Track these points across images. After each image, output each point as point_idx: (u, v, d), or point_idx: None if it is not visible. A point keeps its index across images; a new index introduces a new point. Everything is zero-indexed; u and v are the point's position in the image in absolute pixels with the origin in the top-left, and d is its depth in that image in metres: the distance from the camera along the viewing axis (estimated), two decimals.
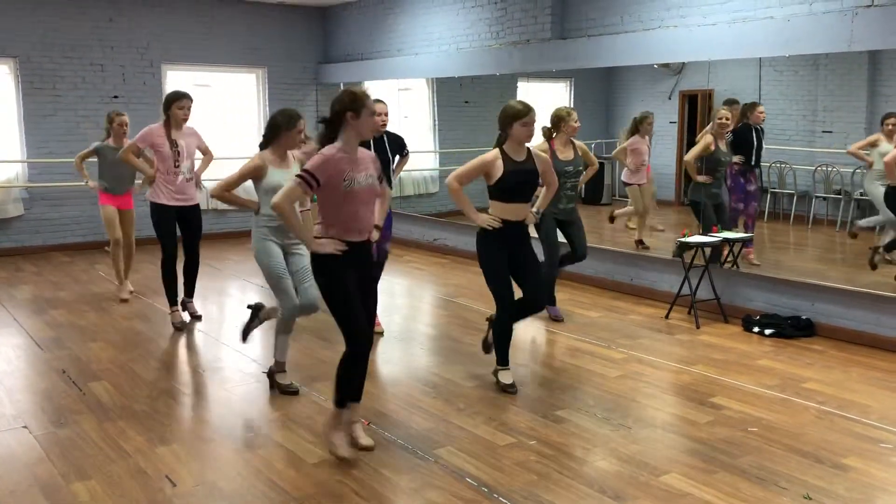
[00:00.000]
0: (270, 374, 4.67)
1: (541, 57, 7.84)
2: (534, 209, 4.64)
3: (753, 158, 7.31)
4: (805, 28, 5.61)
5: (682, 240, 6.11)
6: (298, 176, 3.53)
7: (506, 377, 4.61)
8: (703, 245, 6.06)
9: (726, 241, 6.34)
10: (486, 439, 3.92)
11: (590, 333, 5.78)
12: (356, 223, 3.63)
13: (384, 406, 4.38)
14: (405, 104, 11.92)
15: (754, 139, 7.32)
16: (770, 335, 5.69)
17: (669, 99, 12.72)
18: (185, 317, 6.12)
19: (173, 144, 5.80)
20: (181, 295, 6.16)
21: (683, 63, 11.87)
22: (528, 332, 6.02)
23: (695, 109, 12.37)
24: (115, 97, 9.45)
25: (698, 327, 5.93)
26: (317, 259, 3.61)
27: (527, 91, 12.89)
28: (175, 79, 10.02)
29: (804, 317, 5.78)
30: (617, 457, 3.73)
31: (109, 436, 3.95)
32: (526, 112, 4.35)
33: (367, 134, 3.70)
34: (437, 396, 4.56)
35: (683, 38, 6.49)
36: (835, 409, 4.34)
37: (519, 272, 4.50)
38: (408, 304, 6.99)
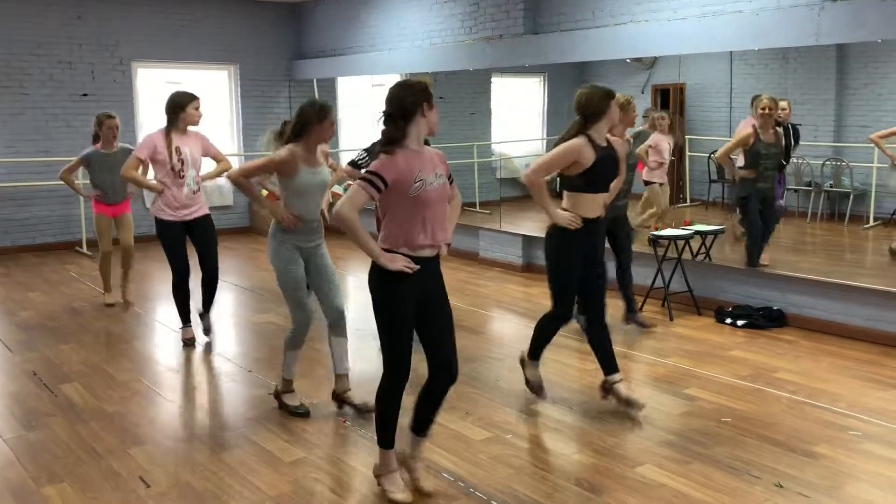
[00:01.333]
0: (277, 395, 4.29)
1: (513, 52, 7.85)
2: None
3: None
4: (774, 22, 5.67)
5: (656, 233, 6.17)
6: (363, 179, 3.02)
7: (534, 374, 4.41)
8: (675, 238, 6.11)
9: (698, 233, 6.39)
10: (463, 434, 3.93)
11: (566, 327, 5.80)
12: (427, 234, 3.11)
13: (361, 400, 4.36)
14: (379, 100, 11.89)
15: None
16: (742, 326, 5.76)
17: (642, 93, 12.79)
18: (197, 332, 5.58)
19: (176, 152, 5.16)
20: (194, 311, 5.62)
21: (655, 57, 11.97)
22: (503, 326, 6.04)
23: (667, 103, 12.48)
24: (85, 95, 9.32)
25: (672, 319, 5.98)
26: (377, 272, 3.11)
27: (501, 86, 12.92)
28: (145, 76, 9.91)
29: (776, 308, 5.85)
30: (593, 449, 3.75)
31: (81, 438, 3.91)
32: (614, 94, 4.05)
33: (434, 128, 3.23)
34: (413, 393, 4.54)
35: (654, 32, 6.53)
36: (805, 398, 4.40)
37: (591, 279, 4.20)
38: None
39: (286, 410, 4.20)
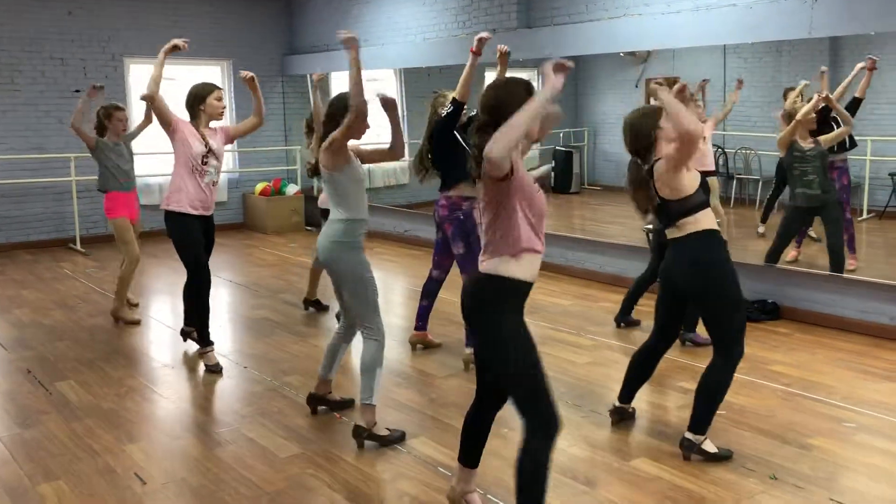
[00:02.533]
0: (362, 433, 3.69)
1: (507, 46, 7.82)
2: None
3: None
4: (767, 15, 5.68)
5: (649, 227, 6.16)
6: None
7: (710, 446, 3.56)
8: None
9: None
10: (459, 429, 3.91)
11: (560, 321, 5.81)
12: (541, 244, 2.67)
13: (356, 397, 4.37)
14: (373, 95, 11.87)
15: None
16: None
17: (636, 87, 12.80)
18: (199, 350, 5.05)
19: (205, 143, 4.73)
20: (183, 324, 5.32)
21: (649, 51, 11.97)
22: None
23: None
24: (77, 91, 9.26)
25: None
26: (508, 319, 2.63)
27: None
28: (138, 72, 9.87)
29: (770, 301, 5.86)
30: (588, 443, 3.76)
31: (77, 435, 3.90)
32: None
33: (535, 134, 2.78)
34: (409, 387, 4.56)
35: (648, 26, 6.53)
36: (800, 390, 4.41)
37: None
38: (380, 295, 6.98)
39: (380, 443, 3.70)
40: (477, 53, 4.65)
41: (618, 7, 6.86)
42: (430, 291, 5.21)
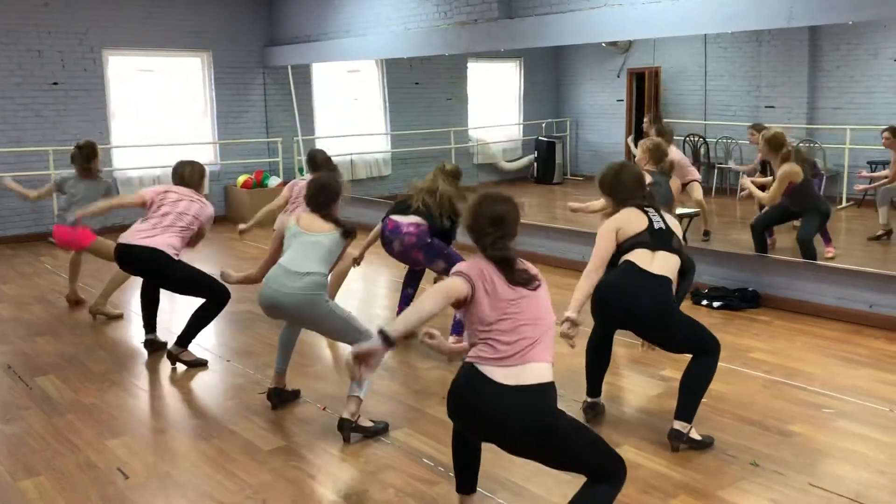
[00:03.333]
0: (348, 425, 3.69)
1: (489, 37, 7.83)
2: None
3: None
4: (746, 5, 5.70)
5: None
6: None
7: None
8: None
9: (681, 216, 6.44)
10: (443, 420, 3.92)
11: None
12: None
13: (340, 390, 4.36)
14: (355, 86, 11.83)
15: None
16: (718, 307, 5.81)
17: (618, 77, 12.85)
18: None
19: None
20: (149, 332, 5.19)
21: (630, 41, 12.00)
22: None
23: (642, 87, 12.53)
24: (55, 84, 9.18)
25: None
26: (549, 395, 2.64)
27: (477, 71, 12.90)
28: (117, 64, 9.77)
29: (751, 289, 5.91)
30: None
31: (58, 430, 3.87)
32: None
33: None
34: (393, 379, 4.56)
35: (629, 16, 6.54)
36: (781, 377, 4.46)
37: None
38: (362, 287, 6.97)
39: (367, 435, 3.74)
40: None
41: None
42: (411, 281, 5.29)
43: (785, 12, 5.43)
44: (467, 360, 2.64)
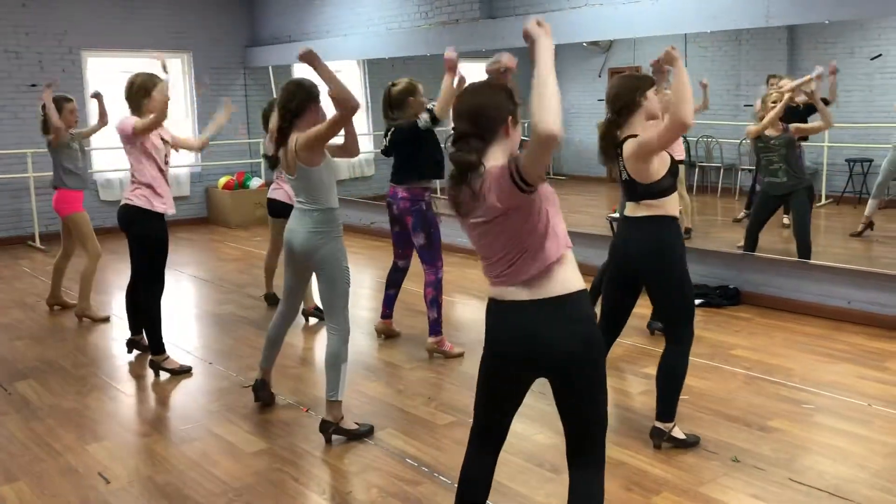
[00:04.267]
0: (329, 427, 3.68)
1: (470, 36, 7.84)
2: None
3: None
4: (725, 4, 5.75)
5: (613, 216, 6.23)
6: None
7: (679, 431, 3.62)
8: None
9: None
10: (426, 419, 3.95)
11: None
12: None
13: (322, 392, 4.35)
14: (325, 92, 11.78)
15: None
16: (700, 305, 5.85)
17: (599, 76, 12.88)
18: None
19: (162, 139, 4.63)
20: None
21: (611, 41, 12.04)
22: (465, 312, 6.06)
23: None
24: (34, 85, 9.08)
25: None
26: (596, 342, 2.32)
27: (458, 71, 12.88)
28: (96, 66, 9.69)
29: (731, 286, 5.96)
30: (553, 430, 3.78)
31: (37, 435, 3.84)
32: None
33: None
34: (377, 380, 4.56)
35: (609, 15, 6.58)
36: (761, 373, 4.49)
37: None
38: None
39: (348, 437, 3.70)
40: (452, 70, 4.59)
41: None
42: (395, 281, 5.23)
43: (763, 12, 5.48)
44: None
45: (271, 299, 6.17)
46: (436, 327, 4.89)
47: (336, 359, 3.64)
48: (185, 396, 4.45)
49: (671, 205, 3.47)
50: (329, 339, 3.68)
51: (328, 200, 3.65)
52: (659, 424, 3.55)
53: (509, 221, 2.18)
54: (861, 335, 5.12)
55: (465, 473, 2.51)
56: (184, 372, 4.70)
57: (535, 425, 3.85)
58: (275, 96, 10.58)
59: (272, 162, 3.89)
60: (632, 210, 3.53)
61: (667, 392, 3.55)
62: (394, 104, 4.90)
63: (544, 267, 2.22)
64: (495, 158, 2.21)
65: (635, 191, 3.47)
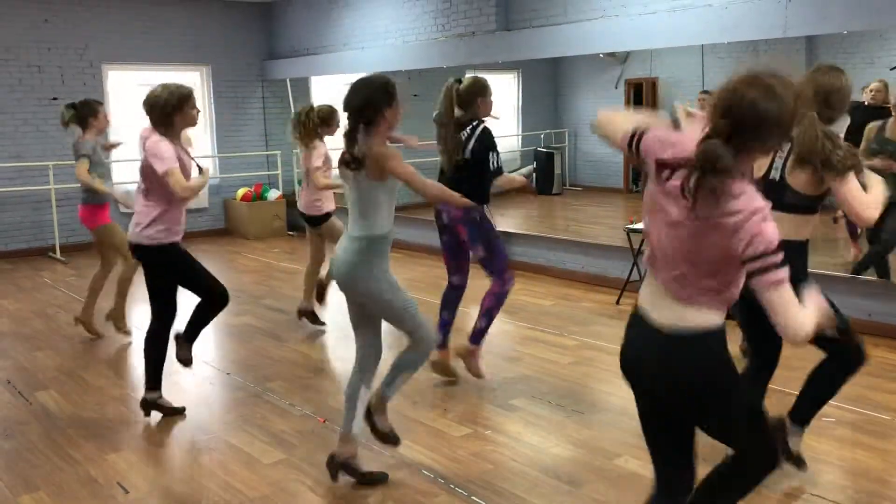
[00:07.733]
0: (336, 464, 3.41)
1: (487, 49, 7.87)
2: None
3: None
4: (742, 15, 5.75)
5: (630, 226, 6.22)
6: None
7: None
8: None
9: None
10: (442, 431, 3.94)
11: (542, 322, 5.83)
12: None
13: (339, 402, 4.35)
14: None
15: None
16: None
17: (616, 88, 12.89)
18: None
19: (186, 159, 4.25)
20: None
21: (628, 52, 12.05)
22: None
23: (640, 98, 12.57)
24: (55, 99, 9.20)
25: None
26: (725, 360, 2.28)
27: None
28: (116, 79, 9.81)
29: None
30: (571, 442, 3.78)
31: (58, 445, 3.87)
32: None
33: None
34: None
35: (625, 27, 6.58)
36: (778, 385, 4.44)
37: None
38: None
39: (360, 481, 3.41)
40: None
41: (595, 9, 6.90)
42: (450, 300, 4.68)
43: (780, 23, 5.47)
44: None
45: (306, 315, 5.96)
46: (478, 337, 4.55)
47: (403, 363, 3.38)
48: (202, 407, 4.47)
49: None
50: (407, 349, 3.41)
51: (379, 225, 3.26)
52: None
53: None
54: (883, 347, 5.06)
55: None
56: (176, 413, 4.24)
57: (552, 438, 3.84)
58: (293, 109, 10.63)
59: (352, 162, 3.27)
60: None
61: None
62: (463, 104, 4.66)
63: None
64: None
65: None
